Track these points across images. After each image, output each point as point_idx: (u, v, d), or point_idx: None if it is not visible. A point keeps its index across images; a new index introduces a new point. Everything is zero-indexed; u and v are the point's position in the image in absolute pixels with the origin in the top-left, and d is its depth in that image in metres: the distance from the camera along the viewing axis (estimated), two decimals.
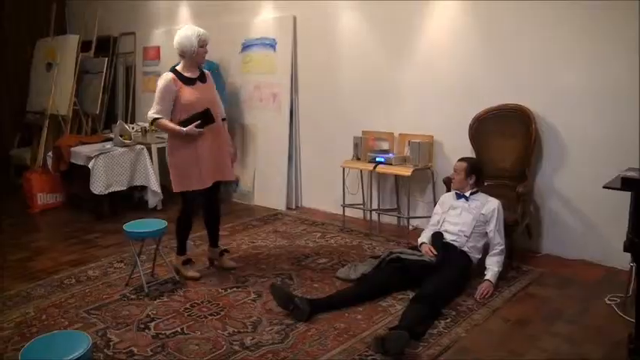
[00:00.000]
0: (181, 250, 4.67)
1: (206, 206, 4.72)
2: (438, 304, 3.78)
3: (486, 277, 4.17)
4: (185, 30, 4.35)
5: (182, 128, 4.23)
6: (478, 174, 4.42)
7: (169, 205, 6.55)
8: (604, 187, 3.52)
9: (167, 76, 4.30)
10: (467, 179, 4.37)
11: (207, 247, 4.90)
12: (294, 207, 6.83)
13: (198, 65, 4.42)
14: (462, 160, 4.48)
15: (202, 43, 4.31)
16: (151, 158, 6.65)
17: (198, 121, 4.23)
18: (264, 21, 6.87)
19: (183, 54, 4.34)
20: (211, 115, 4.29)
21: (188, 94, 4.30)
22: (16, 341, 3.57)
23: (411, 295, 3.99)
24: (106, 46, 8.94)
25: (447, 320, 3.72)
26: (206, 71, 4.53)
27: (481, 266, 4.29)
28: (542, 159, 4.94)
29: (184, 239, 4.67)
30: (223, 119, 4.64)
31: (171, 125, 4.27)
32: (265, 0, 6.86)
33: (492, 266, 4.21)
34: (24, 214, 6.91)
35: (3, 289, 4.45)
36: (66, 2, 9.84)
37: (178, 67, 4.38)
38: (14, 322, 3.86)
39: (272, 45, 6.78)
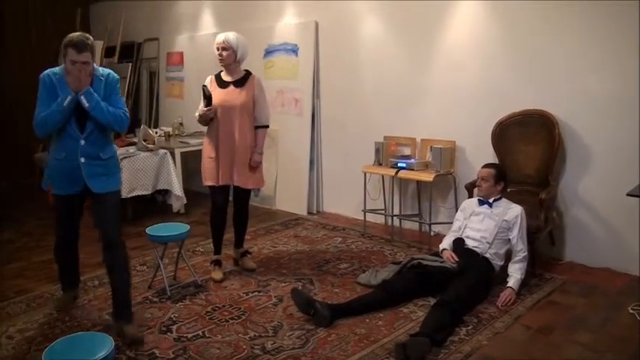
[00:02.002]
0: (214, 248, 4.82)
1: (235, 207, 4.82)
2: (459, 310, 3.76)
3: (508, 285, 4.14)
4: None
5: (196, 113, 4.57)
6: (505, 180, 4.41)
7: (192, 209, 6.59)
8: (627, 195, 3.50)
9: (207, 78, 4.63)
10: (495, 186, 4.34)
11: (232, 249, 5.03)
12: (315, 212, 6.83)
13: (227, 68, 4.58)
14: (488, 166, 4.45)
15: (216, 47, 4.53)
16: (175, 163, 6.69)
17: (204, 101, 4.47)
18: (287, 26, 6.90)
19: None
20: (204, 92, 4.48)
21: (215, 96, 4.49)
22: (40, 342, 3.61)
23: (432, 301, 3.98)
24: (130, 51, 9.03)
25: (469, 327, 3.70)
26: (253, 76, 4.65)
27: (503, 273, 4.26)
28: (565, 165, 4.90)
29: (215, 238, 4.80)
30: (260, 126, 4.70)
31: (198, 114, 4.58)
32: (288, 4, 6.90)
33: (515, 273, 4.18)
34: (48, 216, 6.96)
35: (27, 290, 4.52)
36: (90, 8, 9.96)
37: (222, 72, 4.64)
38: (37, 323, 3.91)
39: (294, 50, 6.81)
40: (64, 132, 3.56)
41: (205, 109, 4.41)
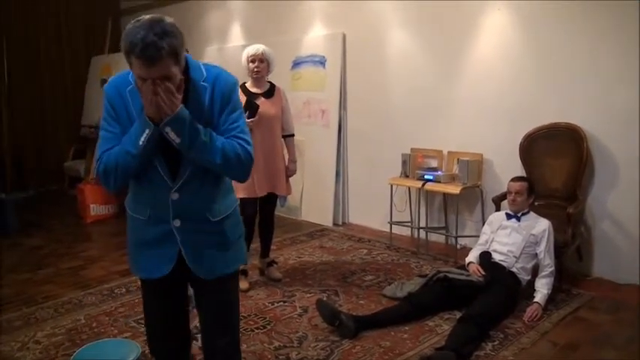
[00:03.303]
0: None
1: (260, 217, 4.83)
2: (485, 325, 3.73)
3: (535, 300, 4.10)
4: None
5: None
6: (534, 193, 4.39)
7: None
8: None
9: None
10: (528, 199, 4.32)
11: (258, 259, 5.03)
12: (340, 223, 6.83)
13: (258, 80, 4.60)
14: (519, 179, 4.42)
15: (250, 59, 4.55)
16: None
17: (247, 113, 4.38)
18: (314, 38, 6.94)
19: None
20: (252, 102, 4.45)
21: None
22: (67, 347, 3.66)
23: (458, 315, 3.95)
24: None
25: (495, 342, 3.67)
26: (278, 87, 4.72)
27: (530, 288, 4.22)
28: (593, 179, 4.85)
29: None
30: (288, 135, 4.81)
31: None
32: (316, 16, 6.94)
33: (541, 288, 4.14)
34: (77, 224, 7.10)
35: (56, 296, 4.58)
36: (121, 20, 10.10)
37: (247, 83, 4.63)
38: (65, 329, 3.96)
39: (321, 62, 6.84)
40: (145, 177, 2.20)
41: (249, 120, 4.34)
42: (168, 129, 2.01)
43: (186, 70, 2.10)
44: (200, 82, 2.13)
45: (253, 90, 4.59)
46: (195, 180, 2.18)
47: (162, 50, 1.89)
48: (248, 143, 2.18)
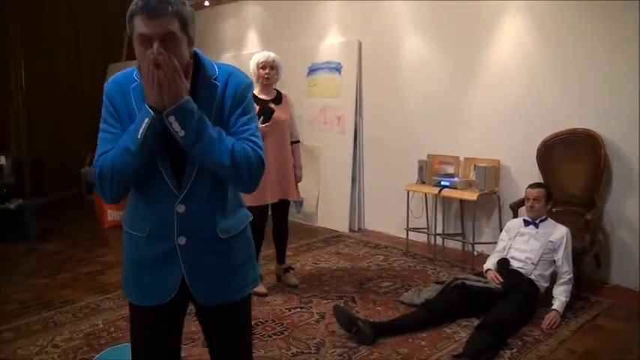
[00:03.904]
0: None
1: (274, 224, 4.84)
2: (503, 332, 3.71)
3: (553, 307, 4.07)
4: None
5: None
6: (552, 199, 4.38)
7: None
8: None
9: None
10: (546, 206, 4.30)
11: (274, 265, 5.03)
12: (356, 229, 6.83)
13: (267, 86, 4.61)
14: (537, 186, 4.39)
15: (260, 66, 4.58)
16: None
17: (261, 117, 4.37)
18: (330, 45, 6.96)
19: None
20: (267, 107, 4.45)
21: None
22: (85, 351, 3.68)
23: (475, 322, 3.93)
24: None
25: (513, 350, 3.64)
26: (285, 94, 4.73)
27: (548, 295, 4.19)
28: (611, 185, 4.82)
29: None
30: (294, 142, 4.80)
31: None
32: (331, 23, 6.97)
33: (560, 296, 4.11)
34: (95, 229, 7.15)
35: (74, 301, 4.61)
36: None
37: (255, 90, 4.58)
38: (83, 333, 3.98)
39: (337, 69, 6.86)
40: (146, 185, 1.94)
41: (263, 125, 4.34)
42: (172, 118, 1.76)
43: (197, 67, 1.92)
44: (211, 80, 1.92)
45: (262, 97, 4.60)
46: (204, 190, 1.92)
47: (167, 3, 1.72)
48: (260, 148, 1.93)
